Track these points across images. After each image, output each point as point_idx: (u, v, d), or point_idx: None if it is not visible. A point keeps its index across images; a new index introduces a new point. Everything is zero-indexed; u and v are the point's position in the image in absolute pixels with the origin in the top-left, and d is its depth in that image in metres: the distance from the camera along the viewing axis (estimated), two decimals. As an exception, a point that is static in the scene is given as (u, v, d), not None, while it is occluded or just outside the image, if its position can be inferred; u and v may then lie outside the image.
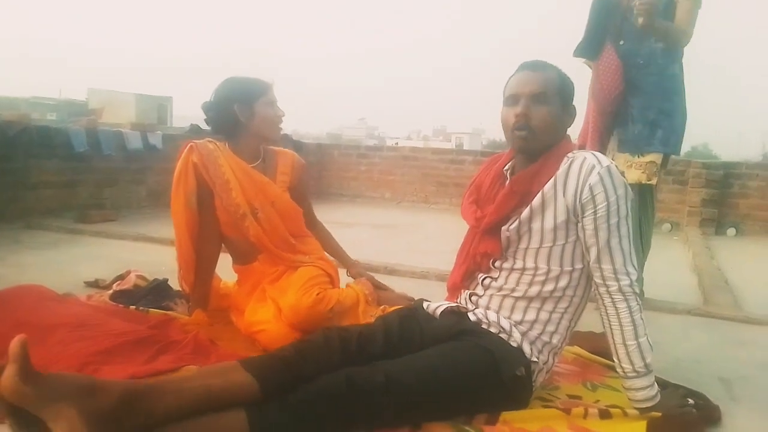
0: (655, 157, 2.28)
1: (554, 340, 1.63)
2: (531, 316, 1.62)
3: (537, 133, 1.59)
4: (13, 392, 1.12)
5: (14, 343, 1.13)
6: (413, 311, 1.77)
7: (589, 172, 1.52)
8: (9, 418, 1.17)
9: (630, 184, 2.54)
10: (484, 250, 1.67)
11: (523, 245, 1.62)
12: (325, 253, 2.38)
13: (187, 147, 2.15)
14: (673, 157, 2.55)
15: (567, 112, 1.64)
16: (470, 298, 1.71)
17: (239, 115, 2.12)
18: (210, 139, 2.19)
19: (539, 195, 1.57)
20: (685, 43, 2.24)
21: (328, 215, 2.45)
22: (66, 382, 1.17)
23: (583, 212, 1.54)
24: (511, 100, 1.62)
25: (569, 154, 1.59)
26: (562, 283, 1.60)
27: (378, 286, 2.37)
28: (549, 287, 1.60)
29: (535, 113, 1.58)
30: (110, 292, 2.49)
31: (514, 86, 1.62)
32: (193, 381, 1.33)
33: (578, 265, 1.60)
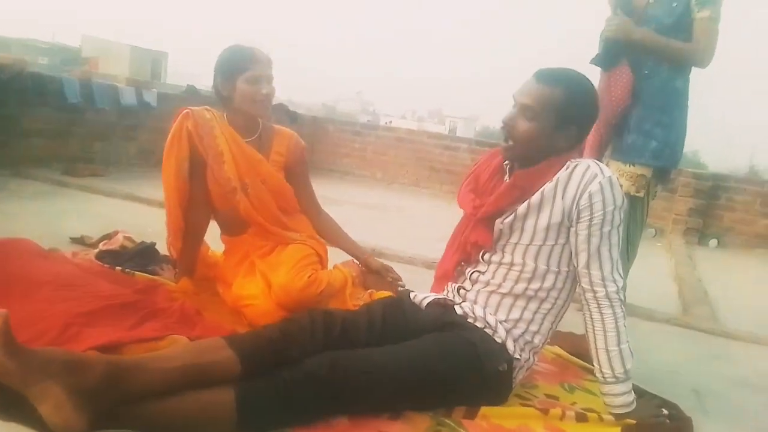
0: (645, 170, 2.25)
1: (536, 340, 1.67)
2: (516, 314, 1.65)
3: (517, 145, 1.62)
4: None
5: None
6: (398, 301, 1.79)
7: (591, 180, 1.54)
8: None
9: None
10: (475, 240, 1.69)
11: (513, 240, 1.64)
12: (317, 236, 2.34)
13: (183, 113, 2.10)
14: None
15: (563, 132, 1.59)
16: (458, 292, 1.74)
17: (221, 89, 2.09)
18: (208, 108, 2.14)
19: (539, 193, 1.59)
20: (706, 64, 2.17)
21: (316, 190, 2.42)
22: (51, 359, 1.16)
23: (578, 217, 1.56)
24: (513, 102, 1.63)
25: (572, 160, 1.61)
26: (548, 283, 1.63)
27: (392, 278, 2.33)
28: (534, 285, 1.63)
29: (520, 125, 1.60)
30: (96, 250, 2.47)
31: (517, 91, 1.62)
32: (177, 359, 1.32)
33: (564, 268, 1.63)
